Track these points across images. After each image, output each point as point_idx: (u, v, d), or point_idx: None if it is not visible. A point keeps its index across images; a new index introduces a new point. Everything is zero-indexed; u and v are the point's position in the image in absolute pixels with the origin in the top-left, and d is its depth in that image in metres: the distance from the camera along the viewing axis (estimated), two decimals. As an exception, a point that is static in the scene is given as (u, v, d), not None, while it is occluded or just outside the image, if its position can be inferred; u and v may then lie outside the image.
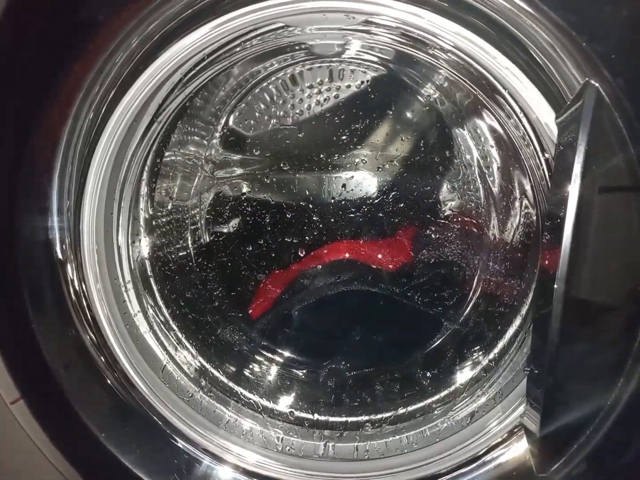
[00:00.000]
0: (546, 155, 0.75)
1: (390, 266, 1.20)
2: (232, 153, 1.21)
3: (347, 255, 1.20)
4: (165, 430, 0.93)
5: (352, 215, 1.19)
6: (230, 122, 1.18)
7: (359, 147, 1.17)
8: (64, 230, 0.83)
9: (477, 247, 1.15)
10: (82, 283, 0.86)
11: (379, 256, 1.20)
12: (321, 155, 1.18)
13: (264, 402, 1.03)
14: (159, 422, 0.93)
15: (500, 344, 0.99)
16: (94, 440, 0.85)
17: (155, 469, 0.89)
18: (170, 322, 1.04)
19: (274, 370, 1.15)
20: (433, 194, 1.18)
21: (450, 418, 0.95)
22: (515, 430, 0.86)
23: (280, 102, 1.17)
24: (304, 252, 1.22)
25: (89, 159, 0.82)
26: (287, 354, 1.17)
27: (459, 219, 1.18)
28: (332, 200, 1.20)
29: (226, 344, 1.15)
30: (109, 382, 0.90)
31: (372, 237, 1.21)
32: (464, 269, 1.16)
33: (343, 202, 1.19)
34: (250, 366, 1.14)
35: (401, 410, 1.01)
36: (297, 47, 1.00)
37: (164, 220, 1.12)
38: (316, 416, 1.02)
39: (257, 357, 1.16)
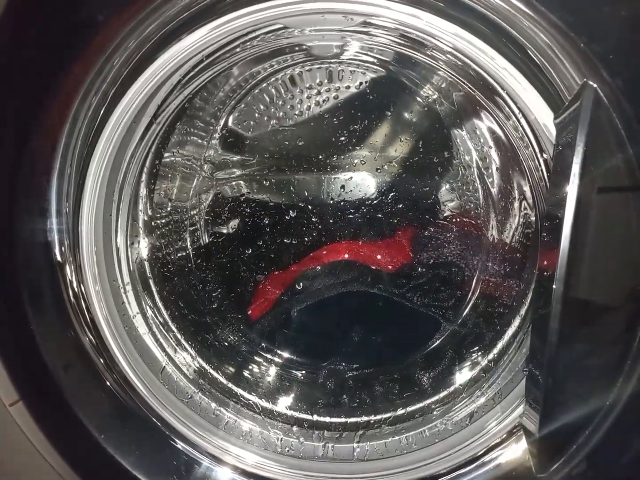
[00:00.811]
0: (545, 155, 0.75)
1: (390, 267, 1.20)
2: (231, 154, 1.21)
3: (346, 256, 1.20)
4: (165, 432, 0.93)
5: (351, 216, 1.19)
6: (230, 123, 1.18)
7: (358, 148, 1.17)
8: (63, 231, 0.83)
9: (476, 247, 1.15)
10: (81, 284, 0.86)
11: (378, 257, 1.20)
12: (320, 156, 1.18)
13: (263, 403, 1.03)
14: (158, 424, 0.92)
15: (500, 345, 0.99)
16: (93, 441, 0.85)
17: (155, 471, 0.89)
18: (170, 323, 1.04)
19: (273, 371, 1.15)
20: (432, 194, 1.18)
21: (449, 419, 0.95)
22: (515, 430, 0.86)
23: (280, 103, 1.17)
24: (303, 253, 1.22)
25: (88, 160, 0.81)
26: (286, 354, 1.17)
27: (458, 219, 1.18)
28: (331, 201, 1.20)
29: (225, 345, 1.15)
30: (108, 383, 0.90)
31: (371, 237, 1.21)
32: (463, 270, 1.16)
33: (342, 203, 1.19)
34: (250, 367, 1.14)
35: (400, 411, 1.01)
36: (296, 48, 1.00)
37: (162, 221, 1.12)
38: (315, 417, 1.02)
39: (257, 358, 1.16)
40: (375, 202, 1.18)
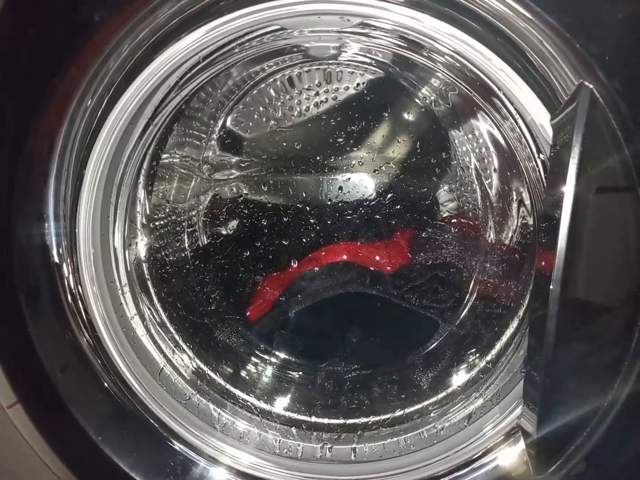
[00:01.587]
0: (542, 156, 0.75)
1: (388, 268, 1.20)
2: (229, 155, 1.22)
3: (344, 257, 1.20)
4: (162, 433, 0.92)
5: (349, 217, 1.19)
6: (228, 124, 1.19)
7: (356, 149, 1.17)
8: (61, 233, 0.83)
9: (474, 248, 1.15)
10: (79, 286, 0.86)
11: (377, 258, 1.20)
12: (318, 157, 1.18)
13: (261, 404, 1.03)
14: (156, 425, 0.92)
15: (497, 346, 0.99)
16: (90, 443, 0.85)
17: (152, 472, 0.89)
18: (167, 324, 1.04)
19: (271, 372, 1.15)
20: (430, 196, 1.18)
21: (447, 420, 0.95)
22: (513, 432, 0.86)
23: (278, 104, 1.17)
24: (301, 254, 1.22)
25: (85, 162, 0.81)
26: (284, 355, 1.17)
27: (456, 221, 1.18)
28: (329, 202, 1.20)
29: (223, 346, 1.15)
30: (105, 385, 0.90)
31: (369, 239, 1.21)
32: (461, 271, 1.16)
33: (340, 204, 1.19)
34: (248, 368, 1.14)
35: (398, 413, 1.01)
36: (294, 50, 1.00)
37: (160, 222, 1.12)
38: (313, 418, 1.02)
39: (254, 359, 1.16)
40: (373, 203, 1.18)
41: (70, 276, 0.85)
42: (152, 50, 0.77)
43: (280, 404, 1.05)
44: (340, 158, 1.18)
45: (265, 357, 1.16)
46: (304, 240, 1.21)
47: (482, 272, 1.14)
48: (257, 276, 1.23)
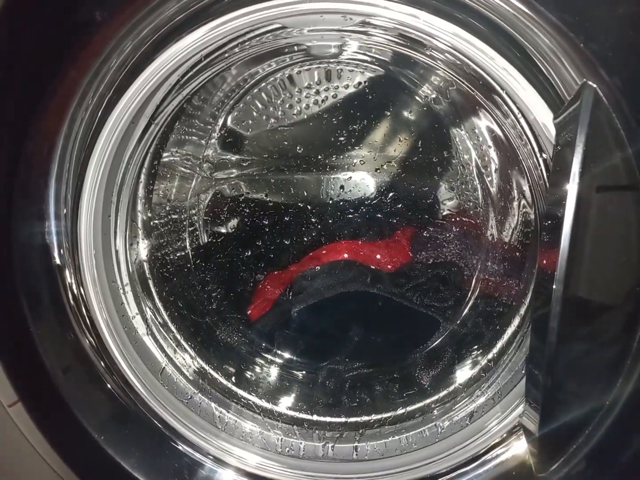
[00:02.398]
0: (544, 155, 0.75)
1: (389, 267, 1.20)
2: (230, 154, 1.21)
3: (345, 255, 1.20)
4: (165, 433, 0.93)
5: (350, 216, 1.19)
6: (229, 123, 1.18)
7: (357, 147, 1.17)
8: (62, 234, 0.83)
9: (475, 247, 1.15)
10: (80, 286, 0.86)
11: (378, 257, 1.20)
12: (319, 156, 1.18)
13: (263, 404, 1.03)
14: (159, 425, 0.92)
15: (499, 344, 0.99)
16: (93, 443, 0.85)
17: (155, 472, 0.89)
18: (169, 324, 1.04)
19: (273, 371, 1.15)
20: (431, 194, 1.18)
21: (449, 418, 0.95)
22: (515, 430, 0.86)
23: (279, 102, 1.17)
24: (302, 253, 1.22)
25: (86, 162, 0.81)
26: (286, 354, 1.17)
27: (458, 219, 1.18)
28: (331, 201, 1.20)
29: (225, 345, 1.15)
30: (107, 385, 0.90)
31: (370, 237, 1.21)
32: (462, 269, 1.16)
33: (341, 203, 1.19)
34: (249, 367, 1.14)
35: (400, 411, 1.01)
36: (295, 48, 1.00)
37: (161, 222, 1.12)
38: (315, 417, 1.02)
39: (256, 359, 1.16)
40: (374, 201, 1.18)
41: (72, 277, 0.85)
42: (153, 49, 0.76)
43: (282, 403, 1.05)
44: (341, 157, 1.18)
45: (267, 356, 1.16)
46: (305, 239, 1.21)
47: (484, 271, 1.14)
48: (258, 275, 1.23)
